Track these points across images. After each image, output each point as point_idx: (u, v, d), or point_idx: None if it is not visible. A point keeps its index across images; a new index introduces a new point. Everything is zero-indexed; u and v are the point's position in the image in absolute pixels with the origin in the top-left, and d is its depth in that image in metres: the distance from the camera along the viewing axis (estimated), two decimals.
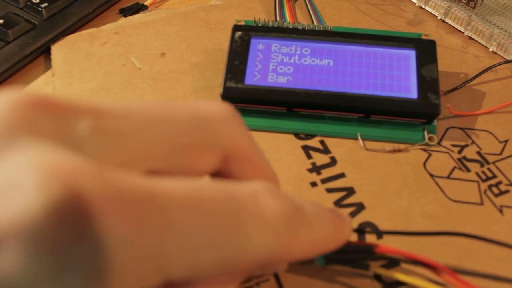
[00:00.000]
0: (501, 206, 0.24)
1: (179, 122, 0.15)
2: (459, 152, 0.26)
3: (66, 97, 0.13)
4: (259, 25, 0.29)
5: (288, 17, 0.32)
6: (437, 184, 0.25)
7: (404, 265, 0.21)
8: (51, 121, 0.12)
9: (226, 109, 0.16)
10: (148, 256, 0.12)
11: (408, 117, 0.26)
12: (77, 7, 0.32)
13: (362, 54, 0.28)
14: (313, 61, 0.27)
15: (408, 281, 0.20)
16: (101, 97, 0.28)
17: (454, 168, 0.25)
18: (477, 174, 0.25)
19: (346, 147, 0.26)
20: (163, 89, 0.28)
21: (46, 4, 0.31)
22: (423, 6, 0.33)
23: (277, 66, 0.27)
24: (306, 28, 0.28)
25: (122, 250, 0.11)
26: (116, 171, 0.12)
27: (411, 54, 0.28)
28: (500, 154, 0.26)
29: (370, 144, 0.26)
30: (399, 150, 0.26)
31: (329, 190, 0.24)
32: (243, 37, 0.28)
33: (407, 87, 0.26)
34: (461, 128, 0.27)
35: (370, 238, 0.22)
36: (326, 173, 0.25)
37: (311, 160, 0.25)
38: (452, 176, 0.25)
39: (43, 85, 0.29)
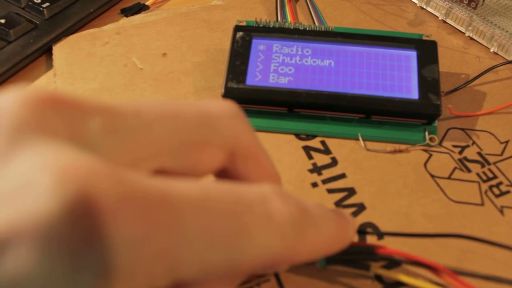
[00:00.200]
0: (502, 206, 0.24)
1: (186, 118, 0.15)
2: (460, 152, 0.26)
3: (75, 94, 0.13)
4: (261, 25, 0.29)
5: (289, 18, 0.32)
6: (437, 184, 0.25)
7: (404, 266, 0.21)
8: (62, 119, 0.12)
9: (231, 107, 0.16)
10: (159, 257, 0.12)
11: (409, 117, 0.26)
12: (78, 7, 0.32)
13: (363, 54, 0.28)
14: (314, 62, 0.27)
15: (409, 282, 0.20)
16: (102, 98, 0.28)
17: (454, 168, 0.25)
18: (477, 174, 0.25)
19: (347, 147, 0.26)
20: (165, 89, 0.28)
21: (47, 4, 0.31)
22: (424, 7, 0.33)
23: (278, 66, 0.27)
24: (307, 29, 0.28)
25: (134, 250, 0.11)
26: (128, 171, 0.12)
27: (412, 54, 0.28)
28: (501, 154, 0.26)
29: (371, 145, 0.26)
30: (400, 151, 0.26)
31: (330, 191, 0.24)
32: (245, 37, 0.28)
33: (408, 88, 0.26)
34: (462, 129, 0.27)
35: (371, 239, 0.22)
36: (327, 173, 0.25)
37: (312, 161, 0.25)
38: (452, 176, 0.25)
39: (44, 85, 0.29)
